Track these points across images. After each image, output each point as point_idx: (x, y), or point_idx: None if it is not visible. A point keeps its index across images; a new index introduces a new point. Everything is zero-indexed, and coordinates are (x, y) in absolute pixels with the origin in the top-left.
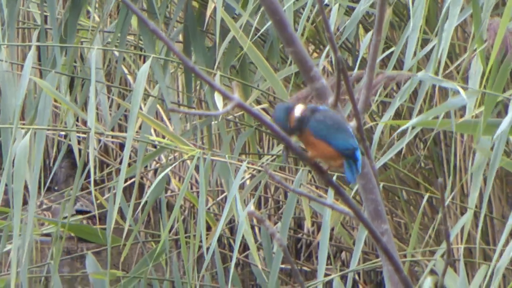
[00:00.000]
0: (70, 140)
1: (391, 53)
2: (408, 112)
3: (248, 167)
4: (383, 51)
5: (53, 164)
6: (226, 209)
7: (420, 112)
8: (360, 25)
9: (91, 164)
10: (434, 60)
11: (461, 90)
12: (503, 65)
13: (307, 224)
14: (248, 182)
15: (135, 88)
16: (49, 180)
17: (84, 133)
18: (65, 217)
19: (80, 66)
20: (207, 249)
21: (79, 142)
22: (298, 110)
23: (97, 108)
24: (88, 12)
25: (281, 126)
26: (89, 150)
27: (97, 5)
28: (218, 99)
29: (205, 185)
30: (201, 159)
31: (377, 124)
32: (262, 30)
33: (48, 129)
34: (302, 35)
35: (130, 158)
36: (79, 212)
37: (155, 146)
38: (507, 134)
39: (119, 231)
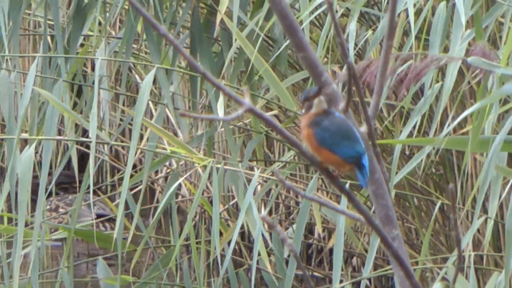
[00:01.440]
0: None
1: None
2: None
3: (249, 174)
4: None
5: (68, 169)
6: (240, 217)
7: (423, 128)
8: (371, 31)
9: (91, 173)
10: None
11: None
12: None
13: (318, 230)
14: (259, 188)
15: (139, 97)
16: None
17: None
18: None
19: (91, 73)
20: (221, 255)
21: (88, 148)
22: (315, 108)
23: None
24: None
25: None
26: (90, 159)
27: (101, 13)
28: (220, 107)
29: (219, 195)
30: (214, 169)
31: (386, 128)
32: (261, 31)
33: (51, 139)
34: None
35: (141, 163)
36: (99, 216)
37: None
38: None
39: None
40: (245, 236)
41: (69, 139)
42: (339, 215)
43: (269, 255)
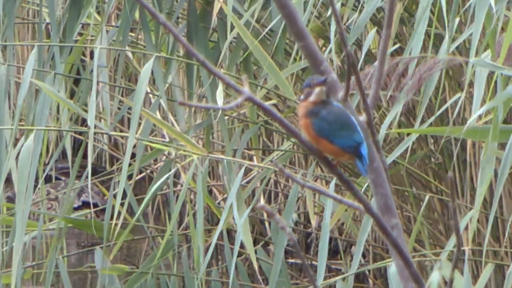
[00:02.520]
0: (84, 137)
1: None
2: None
3: (252, 165)
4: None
5: (63, 157)
6: (225, 210)
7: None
8: (369, 21)
9: (89, 161)
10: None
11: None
12: None
13: (311, 219)
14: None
15: (138, 86)
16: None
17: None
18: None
19: (90, 63)
20: (209, 245)
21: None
22: (314, 97)
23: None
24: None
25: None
26: (88, 149)
27: (99, 3)
28: (220, 95)
29: (204, 188)
30: (199, 163)
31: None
32: (259, 21)
33: (49, 129)
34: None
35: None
36: (85, 203)
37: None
38: None
39: (126, 226)
40: None
41: (65, 129)
42: (327, 208)
43: (268, 244)
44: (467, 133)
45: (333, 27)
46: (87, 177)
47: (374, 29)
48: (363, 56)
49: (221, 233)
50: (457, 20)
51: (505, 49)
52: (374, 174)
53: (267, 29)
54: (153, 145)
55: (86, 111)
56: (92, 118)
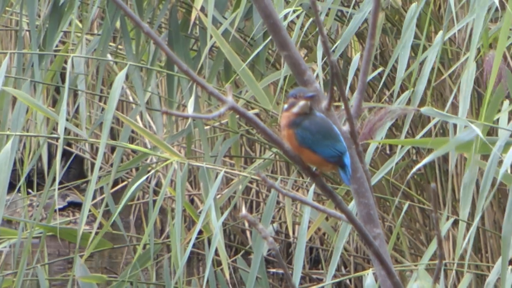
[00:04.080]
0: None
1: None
2: (399, 124)
3: (231, 172)
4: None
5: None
6: (201, 218)
7: (411, 129)
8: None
9: (57, 170)
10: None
11: (471, 125)
12: (495, 94)
13: (288, 229)
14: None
15: (111, 94)
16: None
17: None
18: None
19: (73, 72)
20: (190, 253)
21: (70, 145)
22: (297, 109)
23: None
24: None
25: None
26: (57, 155)
27: (80, 12)
28: (191, 104)
29: (182, 193)
30: (178, 169)
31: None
32: (241, 31)
33: (21, 135)
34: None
35: (122, 161)
36: (71, 203)
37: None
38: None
39: (108, 234)
40: (226, 235)
41: (35, 135)
42: (304, 218)
43: (249, 254)
44: (449, 146)
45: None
46: (60, 183)
47: (358, 54)
48: (350, 77)
49: (203, 242)
50: (441, 32)
51: (496, 66)
52: (357, 184)
53: (242, 36)
54: (132, 147)
55: (72, 121)
56: (63, 125)
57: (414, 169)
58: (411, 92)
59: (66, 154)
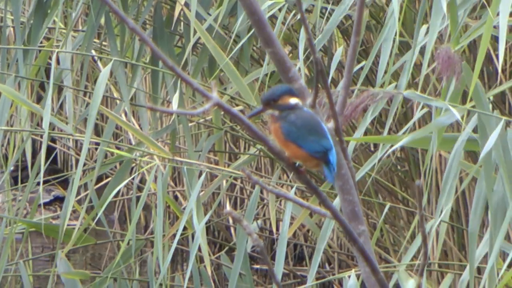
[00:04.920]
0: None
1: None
2: (384, 121)
3: (214, 168)
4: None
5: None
6: (184, 216)
7: (393, 126)
8: (336, 28)
9: (42, 164)
10: (408, 71)
11: (451, 108)
12: (452, 92)
13: (272, 226)
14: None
15: (95, 90)
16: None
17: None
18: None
19: (56, 67)
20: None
21: (54, 141)
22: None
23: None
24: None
25: (264, 98)
26: (42, 150)
27: (65, 8)
28: (175, 100)
29: (164, 189)
30: (161, 165)
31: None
32: (225, 27)
33: (3, 129)
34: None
35: (106, 157)
36: (57, 198)
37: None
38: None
39: (92, 230)
40: (210, 231)
41: (19, 129)
42: (286, 216)
43: (233, 250)
44: (428, 129)
45: (302, 35)
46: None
47: (341, 47)
48: (334, 68)
49: (187, 239)
50: (424, 28)
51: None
52: (342, 181)
53: (227, 32)
54: (116, 151)
55: (56, 117)
56: (47, 119)
57: (389, 151)
58: (394, 86)
59: (48, 150)
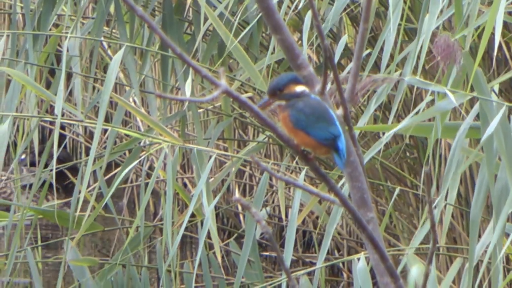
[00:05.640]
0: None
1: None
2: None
3: (223, 155)
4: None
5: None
6: (193, 202)
7: (397, 112)
8: (345, 14)
9: (54, 150)
10: (412, 58)
11: (450, 94)
12: (455, 79)
13: (282, 212)
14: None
15: (107, 75)
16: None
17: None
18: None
19: (66, 54)
20: (182, 236)
21: (63, 128)
22: (290, 90)
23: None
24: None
25: (269, 88)
26: (54, 137)
27: None
28: (187, 87)
29: (173, 175)
30: (169, 153)
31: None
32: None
33: (15, 115)
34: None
35: (115, 144)
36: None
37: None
38: (463, 137)
39: (100, 217)
40: (219, 218)
41: (31, 116)
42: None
43: (242, 237)
44: (429, 113)
45: (308, 18)
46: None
47: (346, 36)
48: (339, 54)
49: (196, 225)
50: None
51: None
52: (351, 168)
53: (236, 19)
54: (126, 131)
55: (65, 104)
56: (60, 105)
57: (387, 136)
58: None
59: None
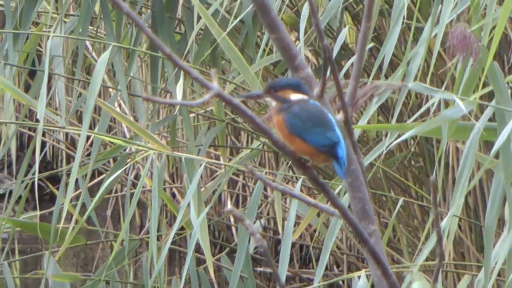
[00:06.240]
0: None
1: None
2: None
3: (215, 163)
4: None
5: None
6: (181, 212)
7: (402, 117)
8: (347, 13)
9: (36, 157)
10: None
11: (458, 101)
12: (470, 73)
13: (278, 224)
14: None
15: (93, 77)
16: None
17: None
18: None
19: (44, 57)
20: (170, 251)
21: (43, 135)
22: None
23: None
24: None
25: (267, 84)
26: (36, 143)
27: None
28: (179, 89)
29: (160, 184)
30: (156, 159)
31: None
32: (229, 12)
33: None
34: (282, 19)
35: (100, 151)
36: (11, 192)
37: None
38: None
39: (82, 229)
40: (210, 231)
41: (11, 122)
42: (291, 212)
43: (234, 251)
44: (434, 122)
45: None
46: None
47: (347, 28)
48: (336, 50)
49: (185, 239)
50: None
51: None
52: (351, 177)
53: (230, 18)
54: (111, 139)
55: (49, 109)
56: (42, 110)
57: (392, 144)
58: (403, 73)
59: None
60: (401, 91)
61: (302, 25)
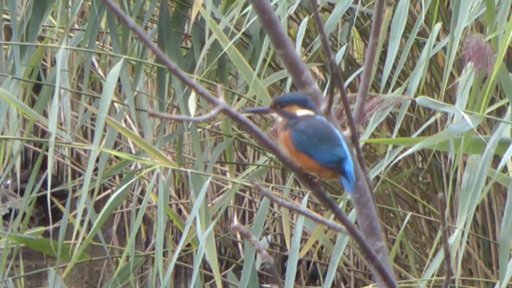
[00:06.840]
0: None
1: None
2: (403, 128)
3: (221, 179)
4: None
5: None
6: (186, 228)
7: (409, 130)
8: (354, 28)
9: (49, 172)
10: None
11: (465, 116)
12: (484, 85)
13: (286, 240)
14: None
15: (104, 91)
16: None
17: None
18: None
19: (50, 69)
20: (186, 269)
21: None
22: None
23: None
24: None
25: (273, 99)
26: (48, 158)
27: (64, 4)
28: (191, 104)
29: (166, 199)
30: (161, 173)
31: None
32: (237, 27)
33: (3, 138)
34: (289, 34)
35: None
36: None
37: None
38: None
39: (87, 246)
40: (216, 248)
41: (20, 138)
42: (298, 226)
43: (240, 268)
44: (441, 136)
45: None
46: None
47: (347, 43)
48: (337, 62)
49: (191, 255)
50: (438, 25)
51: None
52: (359, 194)
53: (237, 32)
54: (118, 154)
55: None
56: (54, 124)
57: (398, 158)
58: (403, 88)
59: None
60: (403, 105)
61: (299, 42)
